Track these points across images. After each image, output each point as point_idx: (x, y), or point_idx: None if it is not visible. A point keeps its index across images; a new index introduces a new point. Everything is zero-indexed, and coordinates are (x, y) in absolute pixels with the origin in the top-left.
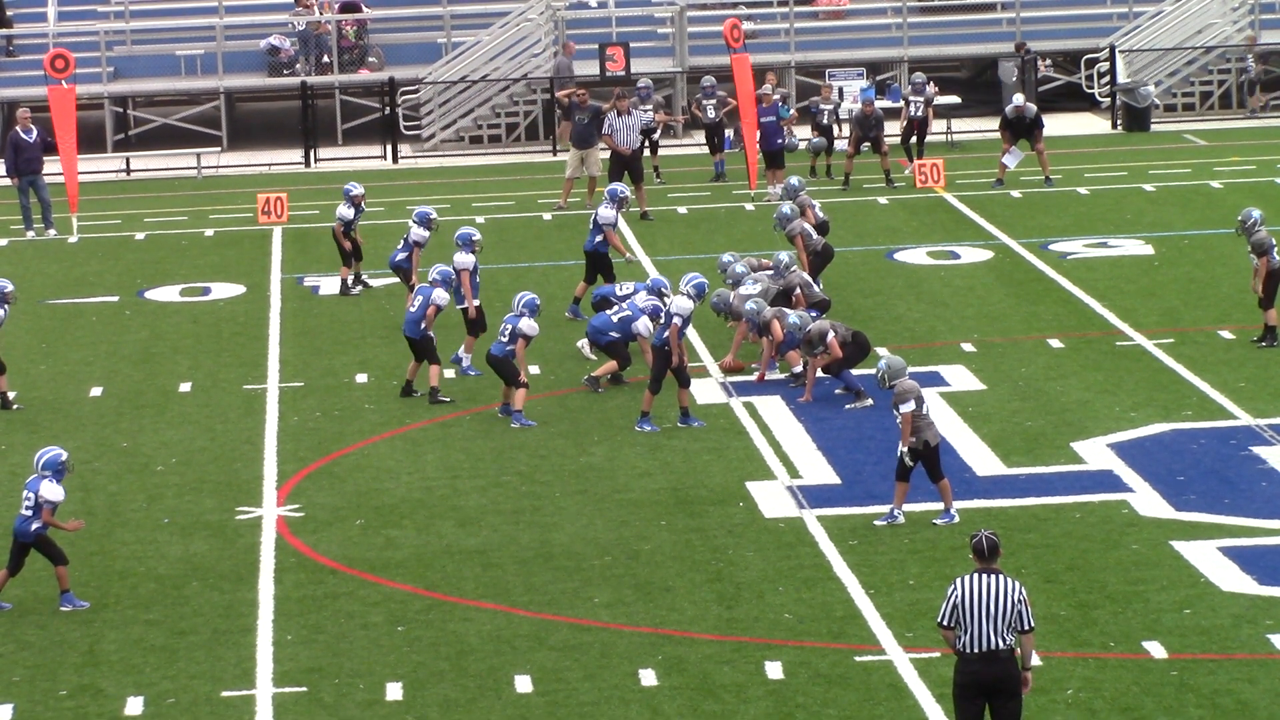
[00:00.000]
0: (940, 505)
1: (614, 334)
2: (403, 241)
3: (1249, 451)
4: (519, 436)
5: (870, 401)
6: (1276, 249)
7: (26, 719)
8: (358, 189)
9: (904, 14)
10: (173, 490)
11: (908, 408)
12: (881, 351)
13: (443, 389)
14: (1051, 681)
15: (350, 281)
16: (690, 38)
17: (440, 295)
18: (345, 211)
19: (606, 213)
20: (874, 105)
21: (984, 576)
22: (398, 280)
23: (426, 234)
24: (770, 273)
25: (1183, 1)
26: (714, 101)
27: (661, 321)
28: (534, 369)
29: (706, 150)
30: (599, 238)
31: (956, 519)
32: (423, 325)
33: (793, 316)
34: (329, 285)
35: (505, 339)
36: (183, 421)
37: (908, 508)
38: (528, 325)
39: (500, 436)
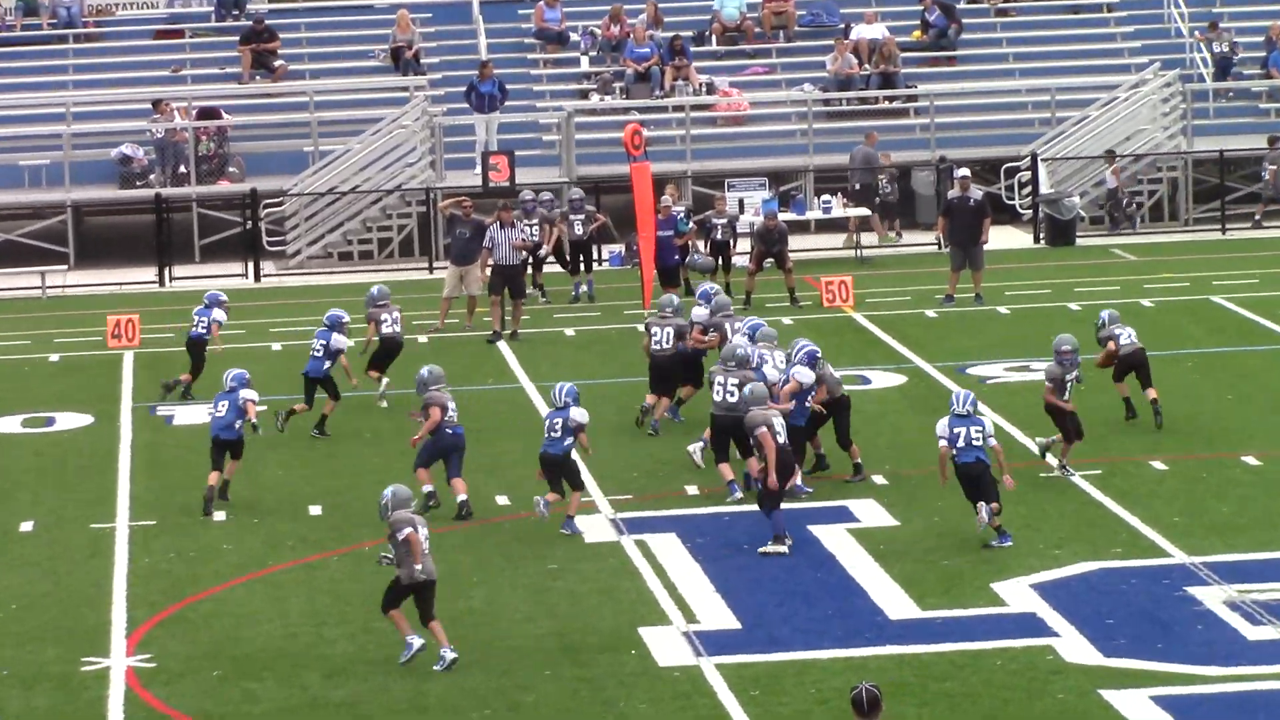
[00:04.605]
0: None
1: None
2: (322, 350)
3: (1183, 592)
4: (391, 579)
5: (787, 548)
6: (1126, 334)
7: None
8: (224, 296)
9: (809, 119)
10: (12, 639)
11: (761, 431)
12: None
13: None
14: None
15: (179, 387)
16: (578, 145)
17: (249, 393)
18: (220, 316)
19: (699, 310)
20: (777, 218)
21: None
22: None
23: (349, 341)
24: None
25: (1109, 106)
26: (582, 217)
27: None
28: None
29: (567, 271)
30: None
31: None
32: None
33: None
34: (184, 415)
35: (558, 433)
36: (23, 564)
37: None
38: (579, 413)
39: (370, 578)
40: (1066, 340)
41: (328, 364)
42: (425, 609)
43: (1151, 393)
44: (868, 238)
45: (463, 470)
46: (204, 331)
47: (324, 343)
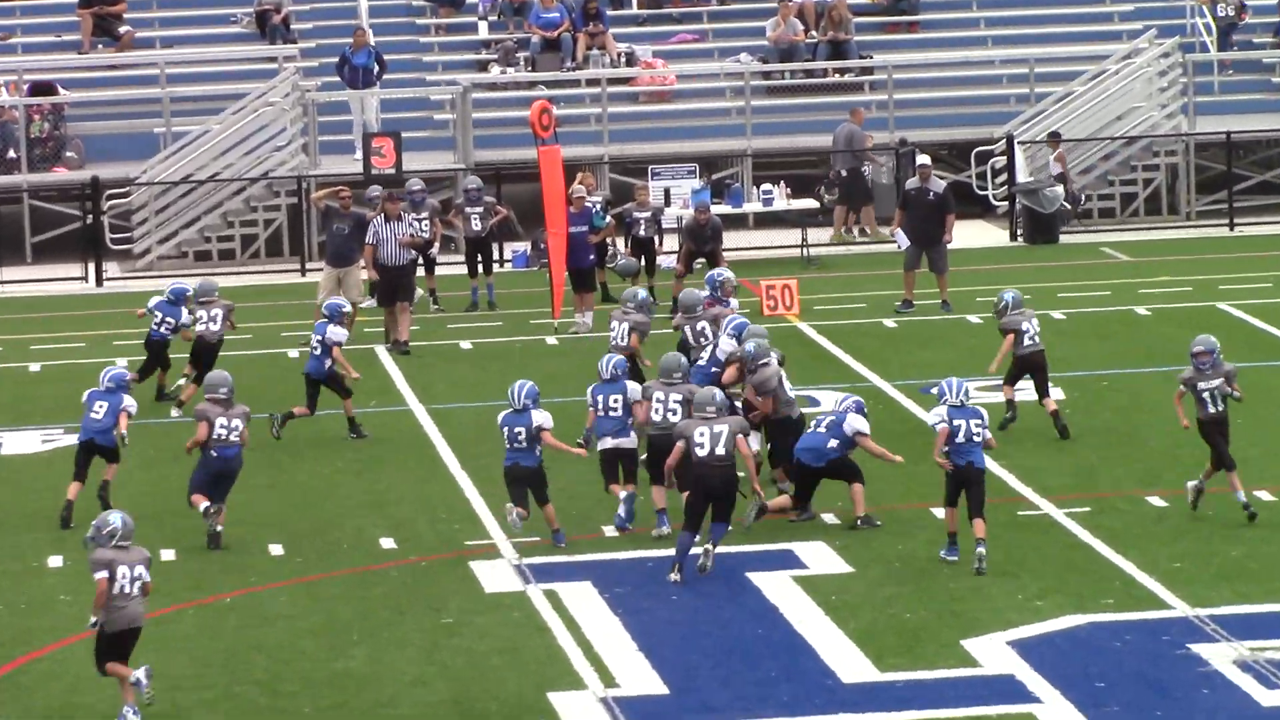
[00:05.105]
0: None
1: (835, 441)
2: (320, 346)
3: (1186, 650)
4: (256, 634)
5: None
6: (1030, 330)
7: None
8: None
9: (746, 96)
10: None
11: (680, 444)
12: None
13: None
14: None
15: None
16: (475, 126)
17: (130, 402)
18: (185, 317)
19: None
20: (709, 212)
21: None
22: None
23: (346, 333)
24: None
25: (1098, 82)
26: (480, 210)
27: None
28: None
29: (465, 272)
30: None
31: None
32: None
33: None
34: (15, 442)
35: (523, 443)
36: None
37: None
38: (542, 416)
39: (232, 635)
40: (1200, 341)
41: (329, 362)
42: (121, 654)
43: (1050, 404)
44: (815, 235)
45: (225, 500)
46: (165, 330)
47: (319, 337)
